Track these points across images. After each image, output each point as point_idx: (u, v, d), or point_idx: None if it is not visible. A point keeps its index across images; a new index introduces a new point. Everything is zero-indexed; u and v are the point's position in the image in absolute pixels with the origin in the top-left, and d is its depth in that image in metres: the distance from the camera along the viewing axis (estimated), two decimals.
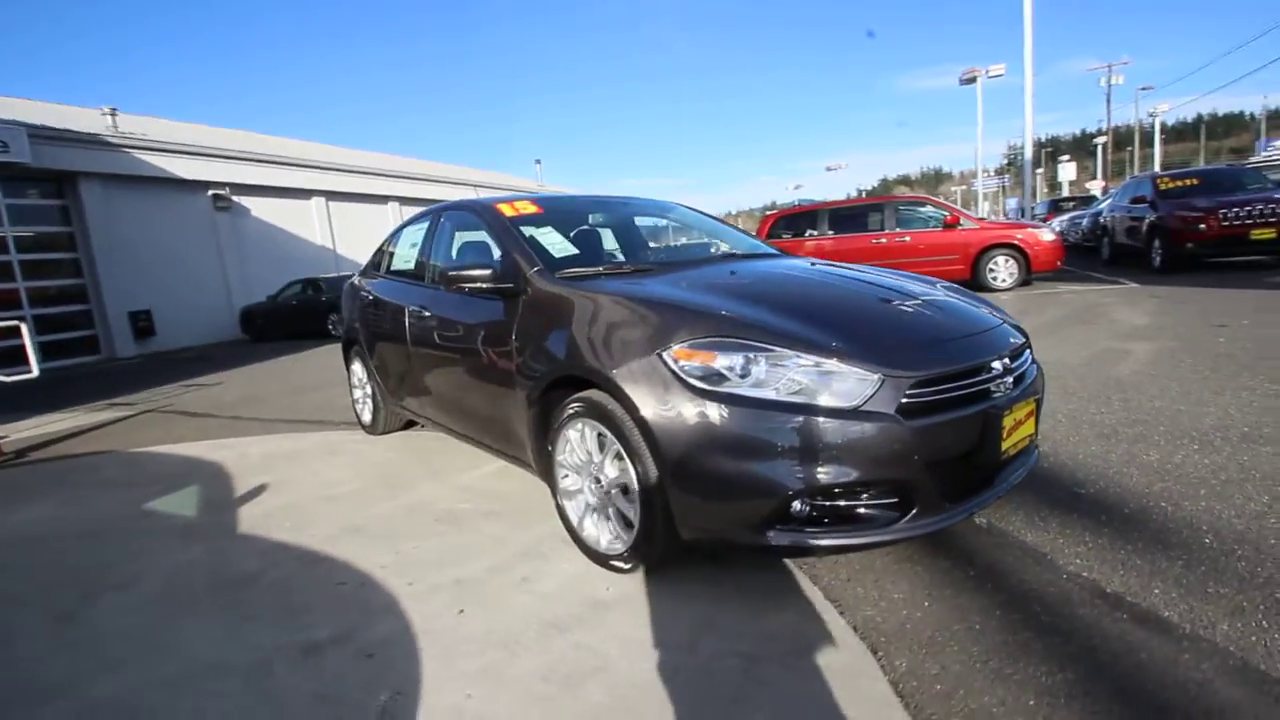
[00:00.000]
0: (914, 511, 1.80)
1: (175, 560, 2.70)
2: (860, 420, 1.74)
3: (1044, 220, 18.16)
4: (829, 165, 45.98)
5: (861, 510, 1.80)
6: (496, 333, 2.63)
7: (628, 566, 2.17)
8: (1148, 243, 10.16)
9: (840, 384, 1.77)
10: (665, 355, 1.94)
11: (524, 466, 2.80)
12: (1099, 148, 55.61)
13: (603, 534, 2.26)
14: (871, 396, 1.76)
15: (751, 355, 1.84)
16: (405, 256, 3.80)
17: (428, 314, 3.19)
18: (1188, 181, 10.47)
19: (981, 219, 10.93)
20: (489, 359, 2.69)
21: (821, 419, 1.75)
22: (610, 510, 2.22)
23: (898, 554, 2.20)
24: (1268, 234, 8.67)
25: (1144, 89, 42.39)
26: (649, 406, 1.92)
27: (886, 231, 9.96)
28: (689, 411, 1.85)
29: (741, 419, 1.78)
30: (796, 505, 1.76)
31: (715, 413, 1.81)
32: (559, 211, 3.16)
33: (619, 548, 2.19)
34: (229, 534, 2.94)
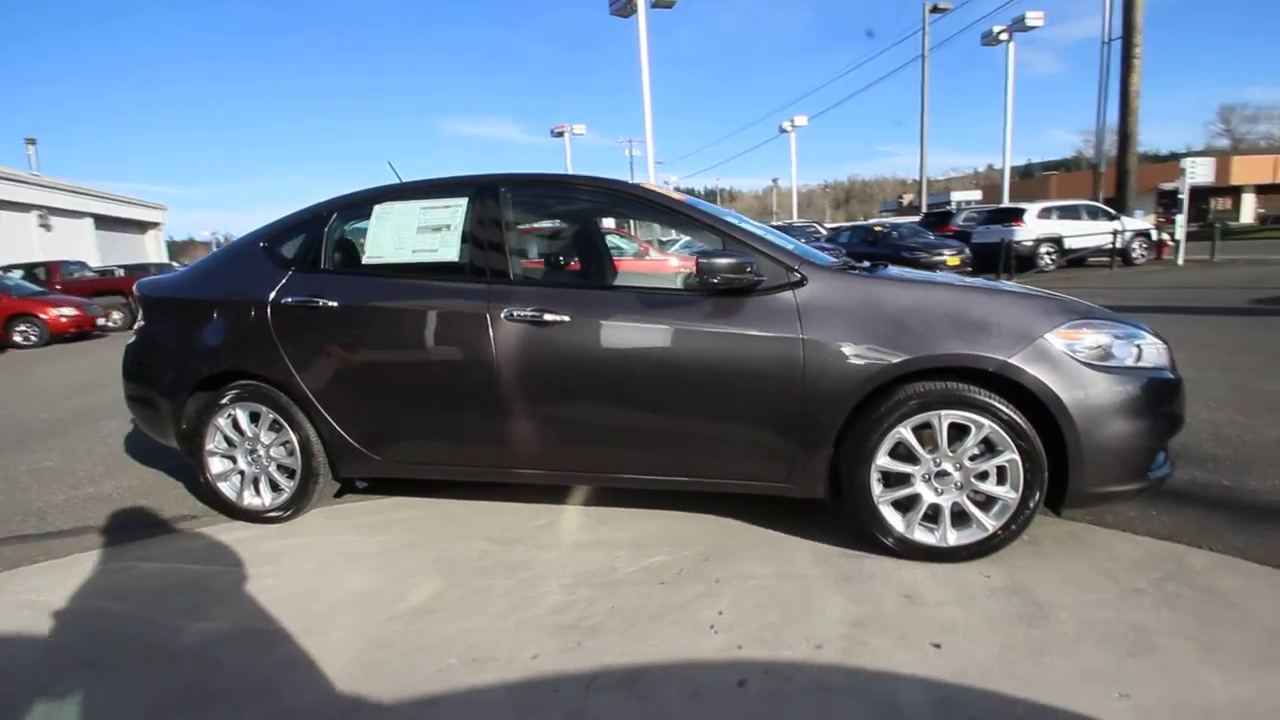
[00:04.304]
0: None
1: None
2: (1174, 377, 2.28)
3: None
4: None
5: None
6: (763, 332, 2.25)
7: (982, 547, 2.21)
8: None
9: (1160, 352, 2.27)
10: (1050, 337, 2.12)
11: (748, 488, 2.43)
12: None
13: (947, 531, 2.22)
14: (1170, 359, 2.33)
15: (1118, 333, 2.19)
16: (420, 246, 2.63)
17: (564, 319, 2.37)
18: (882, 230, 15.46)
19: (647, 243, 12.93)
20: (749, 364, 2.25)
21: (1166, 378, 2.22)
22: (965, 499, 2.21)
23: None
24: (955, 260, 13.15)
25: (659, 162, 55.29)
26: (1058, 385, 2.06)
27: None
28: (1097, 383, 2.08)
29: (1140, 384, 2.12)
30: None
31: (1120, 382, 2.10)
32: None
33: (976, 536, 2.20)
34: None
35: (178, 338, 2.88)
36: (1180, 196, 14.52)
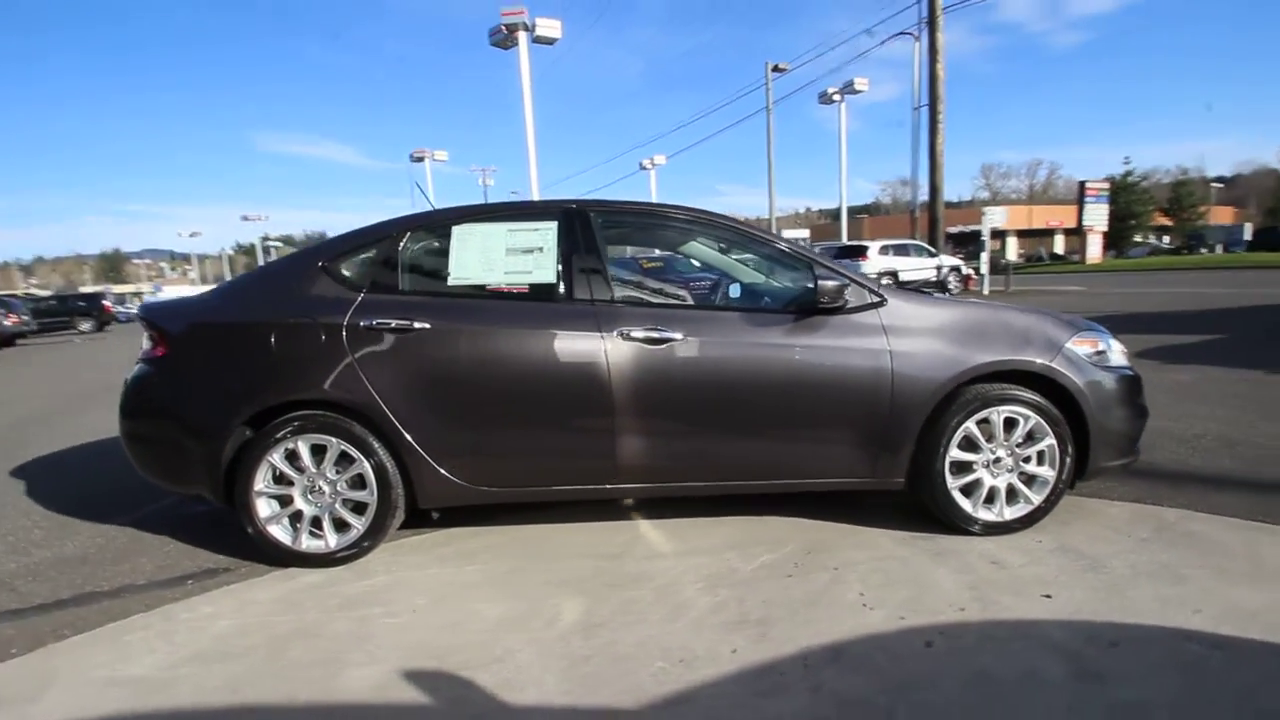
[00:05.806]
0: None
1: None
2: (1135, 373, 2.95)
3: None
4: (245, 215, 43.26)
5: None
6: (857, 344, 2.58)
7: (1029, 519, 2.69)
8: None
9: (1124, 354, 2.93)
10: (1070, 344, 2.68)
11: (835, 485, 2.72)
12: None
13: (1004, 508, 2.67)
14: (1129, 359, 3.00)
15: (1106, 341, 2.81)
16: (512, 268, 2.63)
17: (676, 336, 2.53)
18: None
19: None
20: (847, 373, 2.57)
21: (1134, 374, 2.86)
22: (1016, 479, 2.68)
23: None
24: None
25: (514, 191, 54.98)
26: (1083, 382, 2.62)
27: None
28: (1104, 381, 2.67)
29: (1125, 380, 2.74)
30: None
31: (1115, 379, 2.70)
32: None
33: (1025, 509, 2.68)
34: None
35: (216, 368, 2.58)
36: (983, 238, 17.56)
